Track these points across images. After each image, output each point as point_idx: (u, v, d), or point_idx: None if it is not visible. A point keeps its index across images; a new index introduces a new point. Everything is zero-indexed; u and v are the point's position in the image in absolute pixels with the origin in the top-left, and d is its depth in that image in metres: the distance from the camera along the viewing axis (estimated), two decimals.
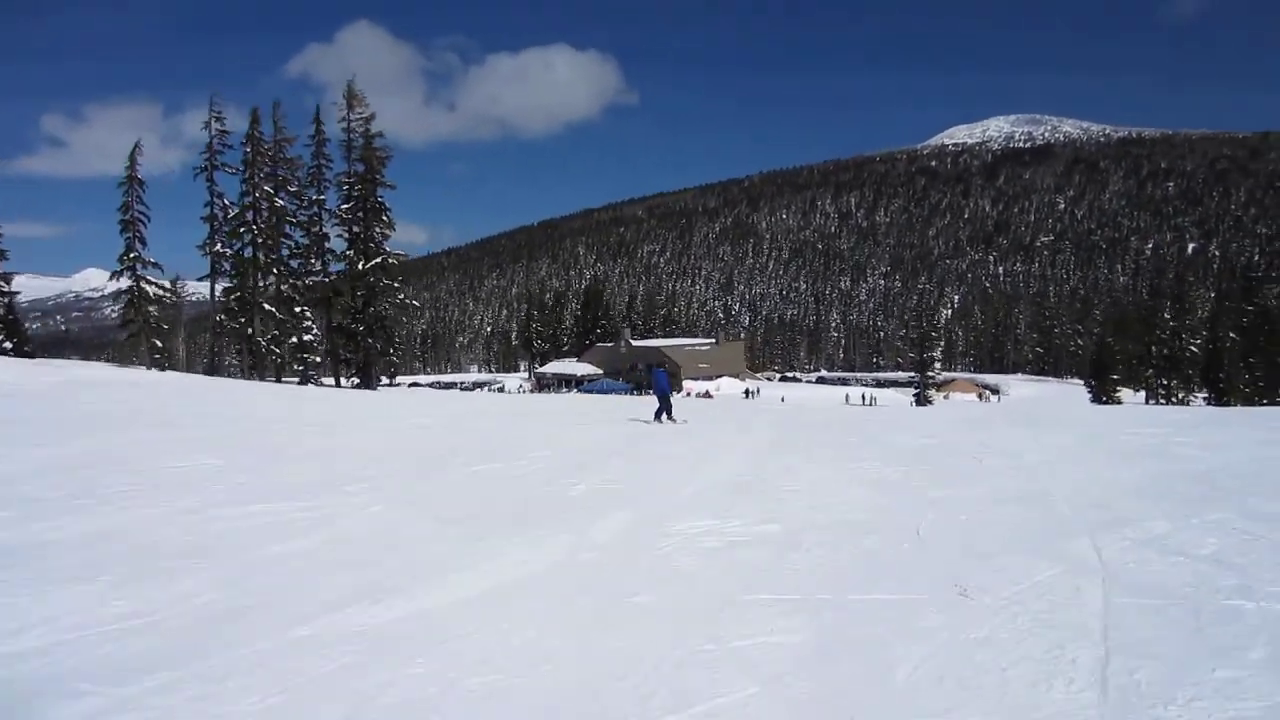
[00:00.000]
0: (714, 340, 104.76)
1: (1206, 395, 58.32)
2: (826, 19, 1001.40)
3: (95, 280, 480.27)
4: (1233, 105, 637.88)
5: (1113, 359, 55.44)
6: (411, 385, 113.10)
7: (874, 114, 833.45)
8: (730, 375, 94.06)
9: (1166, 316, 57.18)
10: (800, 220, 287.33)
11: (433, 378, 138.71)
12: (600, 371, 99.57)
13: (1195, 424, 18.23)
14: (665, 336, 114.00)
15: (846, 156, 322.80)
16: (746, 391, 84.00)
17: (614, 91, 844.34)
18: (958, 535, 6.64)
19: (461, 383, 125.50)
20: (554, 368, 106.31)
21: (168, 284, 42.68)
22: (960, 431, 16.80)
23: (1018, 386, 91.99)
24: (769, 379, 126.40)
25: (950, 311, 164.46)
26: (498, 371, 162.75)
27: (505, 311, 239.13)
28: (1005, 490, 8.85)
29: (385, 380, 48.11)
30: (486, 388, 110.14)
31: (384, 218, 45.70)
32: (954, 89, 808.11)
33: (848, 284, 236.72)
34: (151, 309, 39.97)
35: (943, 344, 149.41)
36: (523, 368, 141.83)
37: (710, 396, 76.17)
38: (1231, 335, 64.84)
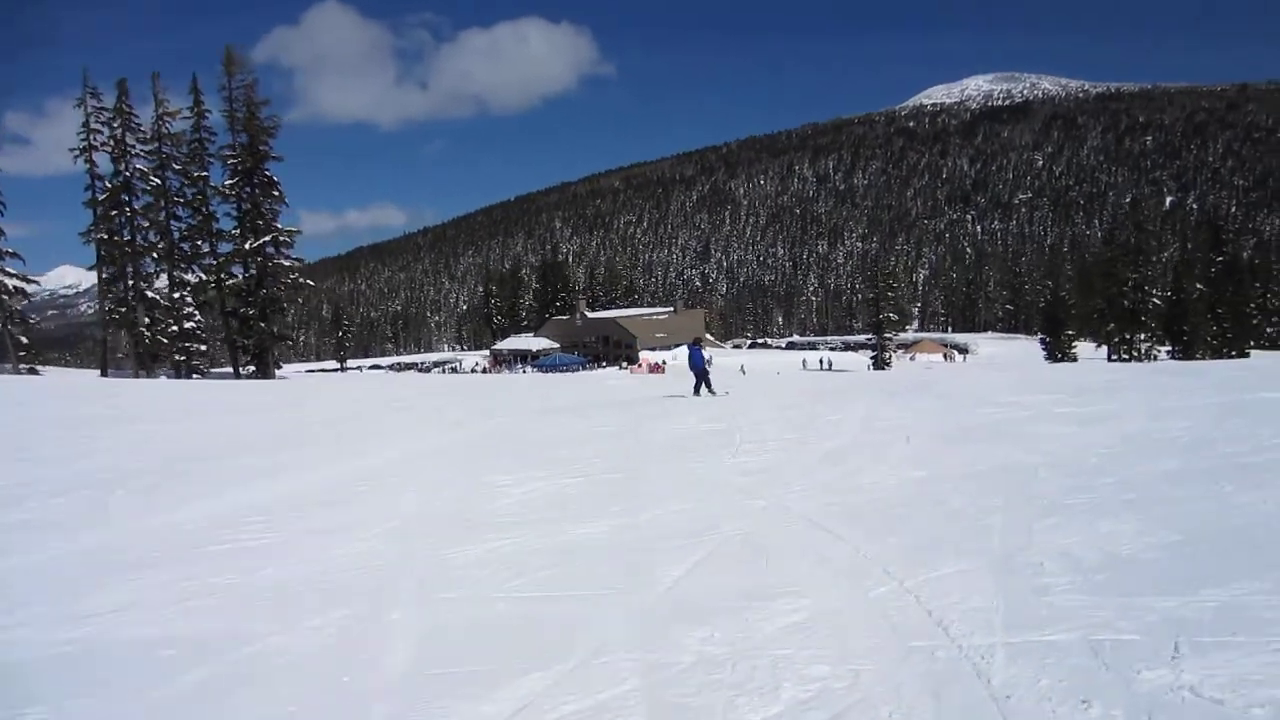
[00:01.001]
0: (672, 309, 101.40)
1: (1170, 349, 55.76)
2: None
3: (71, 277, 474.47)
4: (1211, 58, 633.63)
5: (1067, 313, 52.50)
6: (371, 368, 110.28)
7: (853, 76, 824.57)
8: (688, 344, 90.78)
9: (1128, 269, 54.21)
10: (778, 185, 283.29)
11: (392, 359, 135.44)
12: (557, 345, 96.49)
13: (1097, 388, 15.20)
14: (628, 307, 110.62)
15: (825, 120, 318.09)
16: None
17: (589, 63, 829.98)
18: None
19: (422, 363, 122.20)
20: (510, 343, 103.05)
21: (27, 276, 39.06)
22: (810, 404, 14.08)
23: (986, 345, 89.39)
24: (736, 346, 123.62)
25: (926, 272, 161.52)
26: (468, 350, 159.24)
27: (481, 290, 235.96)
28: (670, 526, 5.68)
29: (332, 366, 44.67)
30: (444, 367, 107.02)
31: (274, 192, 42.04)
32: (933, 49, 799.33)
33: (825, 247, 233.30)
34: (7, 299, 36.38)
35: (920, 305, 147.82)
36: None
37: (661, 369, 73.14)
38: (1199, 286, 62.10)
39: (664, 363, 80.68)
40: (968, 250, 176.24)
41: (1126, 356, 54.18)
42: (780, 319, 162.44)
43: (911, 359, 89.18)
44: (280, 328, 42.93)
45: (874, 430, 10.08)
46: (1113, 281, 53.61)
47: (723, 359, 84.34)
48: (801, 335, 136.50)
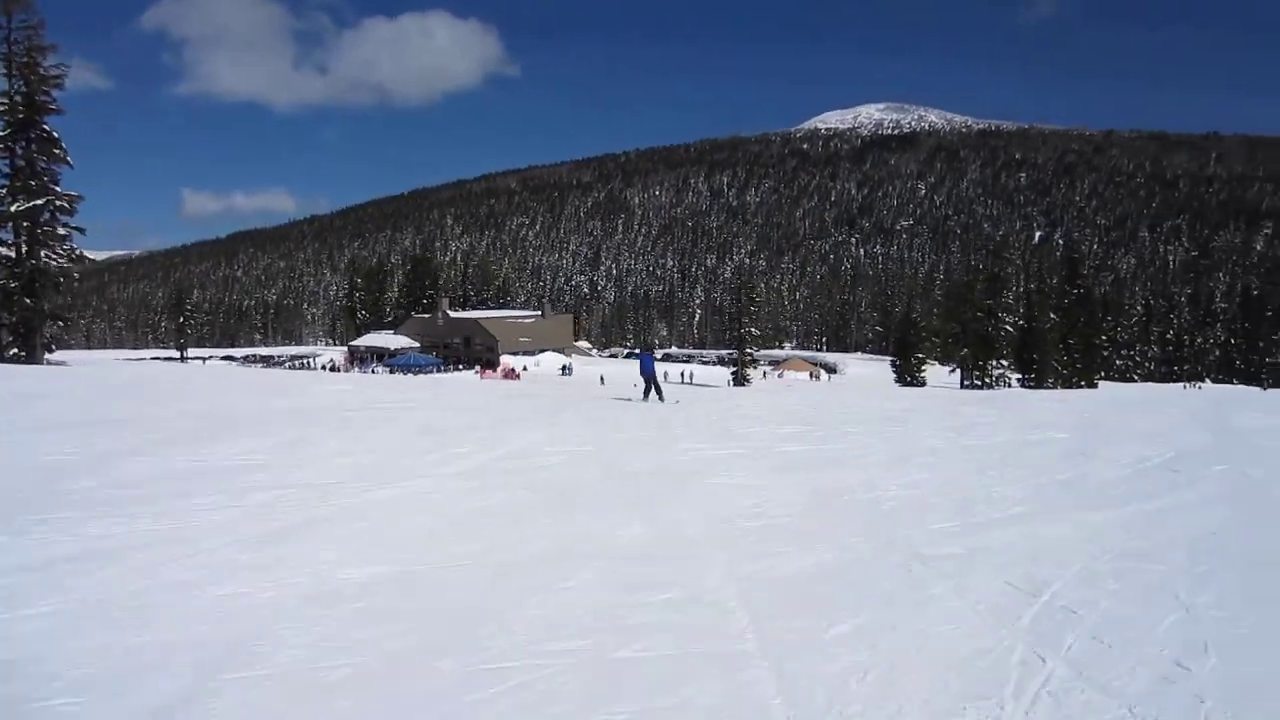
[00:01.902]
0: (539, 313, 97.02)
1: (1021, 376, 55.40)
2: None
3: None
4: (1082, 104, 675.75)
5: (917, 336, 51.11)
6: (224, 359, 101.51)
7: (753, 96, 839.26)
8: (555, 350, 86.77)
9: (985, 296, 53.47)
10: (673, 197, 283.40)
11: (247, 351, 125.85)
12: (416, 345, 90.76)
13: (867, 418, 12.01)
14: (500, 308, 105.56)
15: (723, 136, 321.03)
16: (564, 368, 77.03)
17: (495, 62, 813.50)
18: None
19: (277, 356, 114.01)
20: (369, 340, 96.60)
21: None
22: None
23: (854, 365, 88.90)
24: (614, 355, 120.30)
25: (807, 292, 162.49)
26: (336, 345, 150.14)
27: (347, 283, 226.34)
28: None
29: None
30: (298, 362, 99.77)
31: (55, 150, 35.51)
32: (832, 74, 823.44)
33: (714, 261, 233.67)
34: None
35: (798, 323, 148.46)
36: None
37: (517, 375, 68.70)
38: (1052, 316, 62.33)
39: (524, 369, 76.37)
40: (848, 271, 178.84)
41: (979, 382, 53.26)
42: (664, 329, 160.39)
43: (779, 375, 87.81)
44: (53, 305, 36.29)
45: None
46: (969, 307, 52.63)
47: (584, 367, 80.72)
48: (680, 347, 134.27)
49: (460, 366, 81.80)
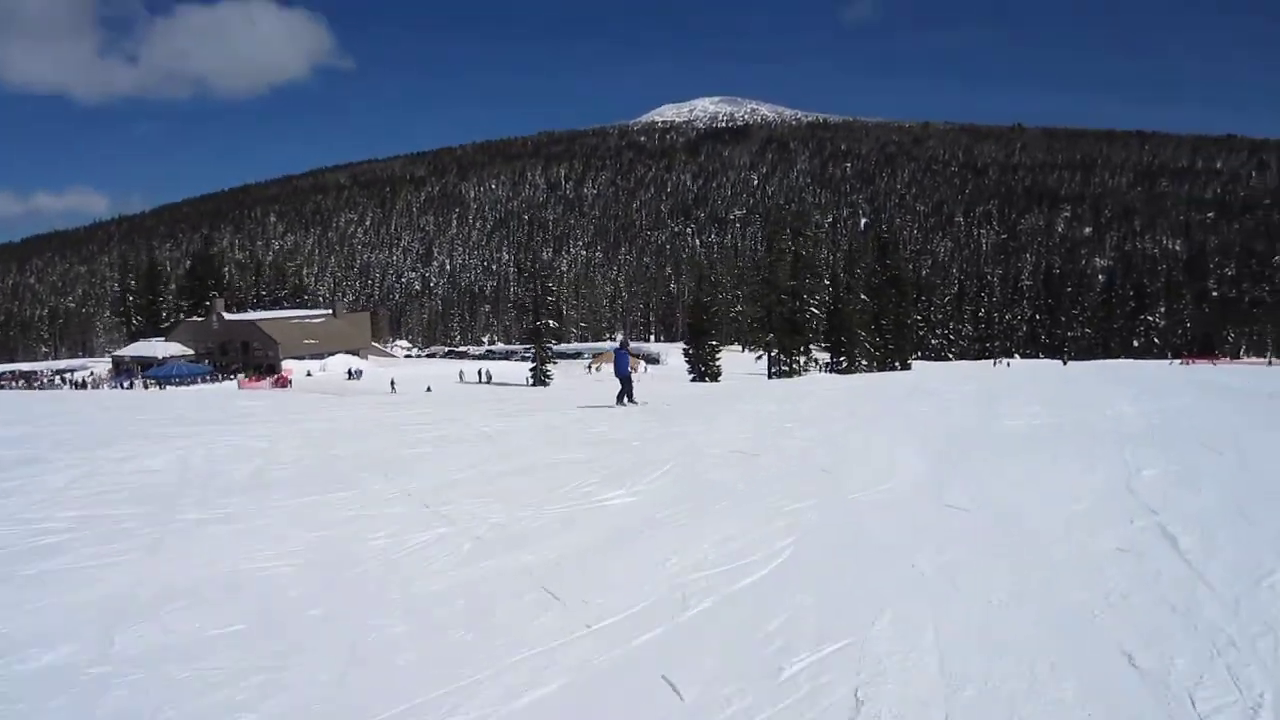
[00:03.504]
0: (330, 312, 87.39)
1: (830, 360, 52.44)
2: None
3: None
4: (901, 98, 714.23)
5: (711, 322, 46.75)
6: None
7: (592, 90, 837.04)
8: (349, 352, 77.79)
9: (788, 278, 49.77)
10: (509, 190, 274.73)
11: (12, 366, 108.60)
12: (190, 352, 79.40)
13: None
14: (294, 308, 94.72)
15: (560, 129, 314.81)
16: (350, 372, 68.49)
17: (326, 54, 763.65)
18: None
19: (43, 371, 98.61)
20: (135, 349, 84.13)
21: None
22: None
23: (675, 356, 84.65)
24: (431, 355, 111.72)
25: (642, 285, 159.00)
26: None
27: (117, 286, 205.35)
28: None
29: None
30: (61, 377, 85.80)
31: None
32: (668, 69, 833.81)
33: (550, 254, 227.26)
34: None
35: (629, 315, 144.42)
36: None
37: (284, 382, 59.86)
38: (863, 298, 59.98)
39: (307, 374, 67.39)
40: (684, 261, 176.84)
41: (786, 369, 49.51)
42: (495, 323, 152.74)
43: (597, 369, 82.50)
44: None
45: None
46: (771, 289, 48.75)
47: (380, 370, 72.33)
48: (506, 343, 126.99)
49: (235, 374, 71.66)
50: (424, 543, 4.66)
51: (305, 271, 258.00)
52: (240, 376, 64.49)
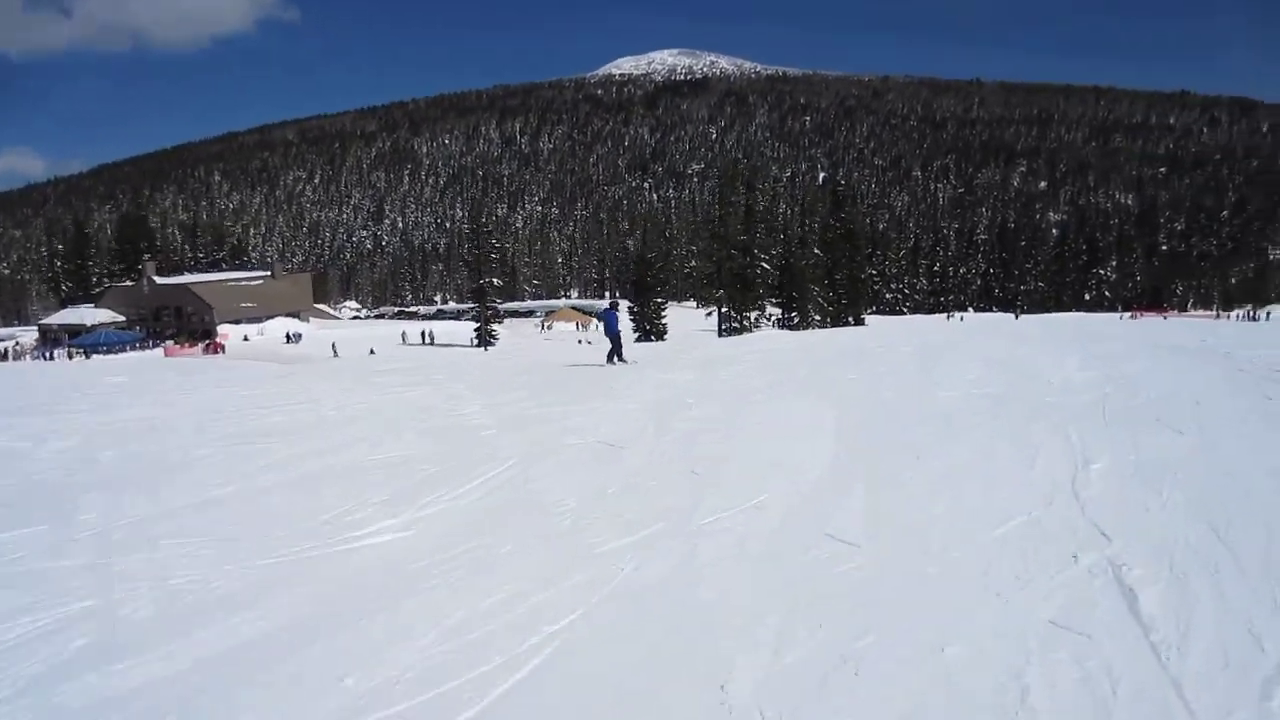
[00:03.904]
0: (268, 274, 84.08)
1: (781, 315, 51.25)
2: None
3: None
4: (861, 52, 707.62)
5: (657, 278, 45.21)
6: None
7: (549, 42, 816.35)
8: (290, 314, 74.95)
9: (739, 233, 48.25)
10: (463, 145, 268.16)
11: None
12: (121, 319, 75.96)
13: None
14: (234, 269, 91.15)
15: (516, 83, 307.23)
16: (289, 335, 65.89)
17: (271, 5, 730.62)
18: None
19: None
20: (62, 317, 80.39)
21: None
22: None
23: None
24: (380, 315, 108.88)
25: (598, 240, 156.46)
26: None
27: (45, 250, 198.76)
28: None
29: None
30: None
31: None
32: (627, 21, 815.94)
33: (505, 210, 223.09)
34: None
35: (584, 271, 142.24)
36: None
37: (218, 348, 57.19)
38: (816, 252, 58.71)
39: (244, 338, 64.71)
40: (642, 217, 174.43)
41: (738, 325, 48.27)
42: (449, 283, 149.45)
43: (549, 327, 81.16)
44: None
45: None
46: (721, 244, 47.20)
47: (323, 332, 69.84)
48: (459, 302, 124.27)
49: (171, 340, 68.66)
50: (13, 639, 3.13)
51: (253, 232, 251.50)
52: (169, 343, 61.52)
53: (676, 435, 6.69)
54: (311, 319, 76.97)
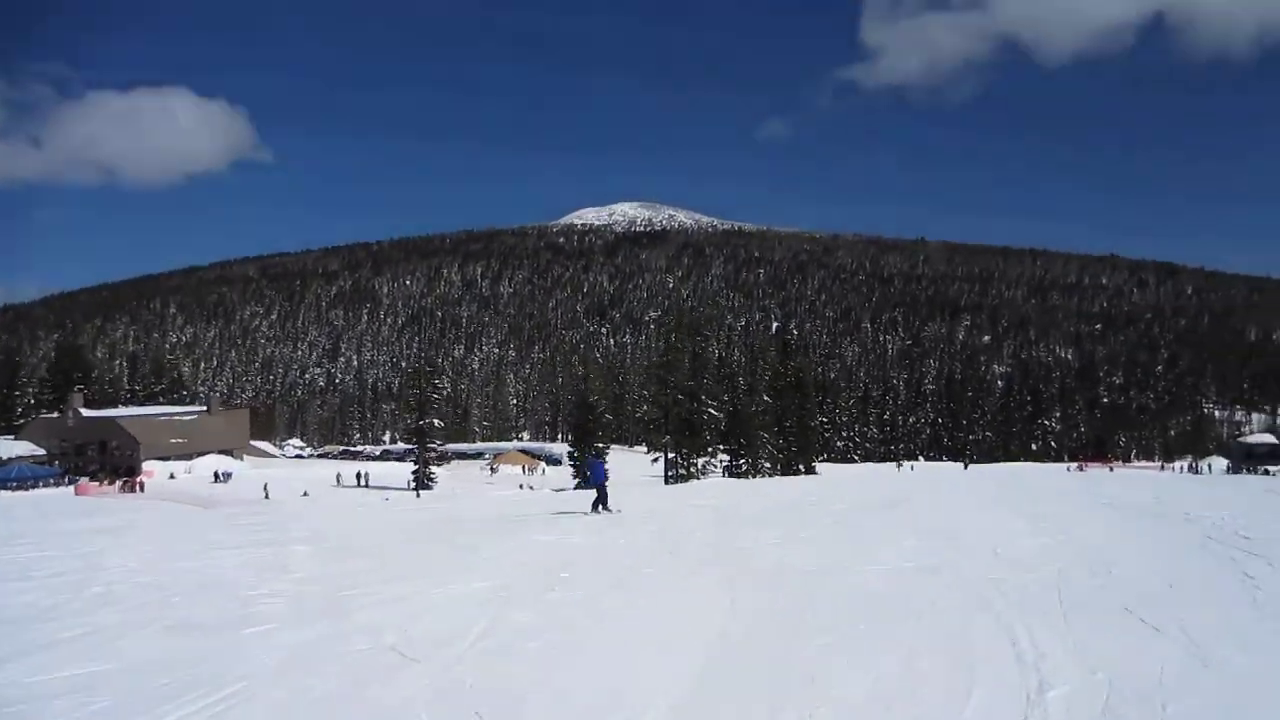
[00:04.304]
0: (204, 409, 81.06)
1: (729, 462, 49.90)
2: (481, 87, 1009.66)
3: None
4: (813, 210, 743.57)
5: (598, 422, 43.86)
6: None
7: (513, 192, 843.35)
8: (223, 451, 71.60)
9: (685, 378, 47.60)
10: (423, 287, 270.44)
11: None
12: (42, 452, 71.71)
13: None
14: (172, 404, 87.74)
15: (480, 228, 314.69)
16: (217, 474, 62.48)
17: (246, 147, 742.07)
18: None
19: None
20: None
21: None
22: None
23: None
24: (325, 455, 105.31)
25: (552, 383, 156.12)
26: None
27: None
28: None
29: None
30: None
31: None
32: (590, 175, 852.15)
33: (462, 351, 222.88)
34: None
35: (537, 416, 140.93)
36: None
37: (135, 486, 53.67)
38: (765, 398, 58.20)
39: (132, 482, 60.63)
40: (597, 361, 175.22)
41: (684, 472, 46.66)
42: (399, 423, 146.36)
43: (493, 470, 78.57)
44: None
45: None
46: (665, 388, 46.33)
47: (256, 471, 66.43)
48: (408, 442, 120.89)
49: (88, 477, 64.64)
50: None
51: (203, 366, 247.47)
52: (83, 480, 57.80)
53: (502, 639, 5.05)
54: (246, 457, 73.63)
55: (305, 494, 46.00)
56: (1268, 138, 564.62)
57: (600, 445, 43.96)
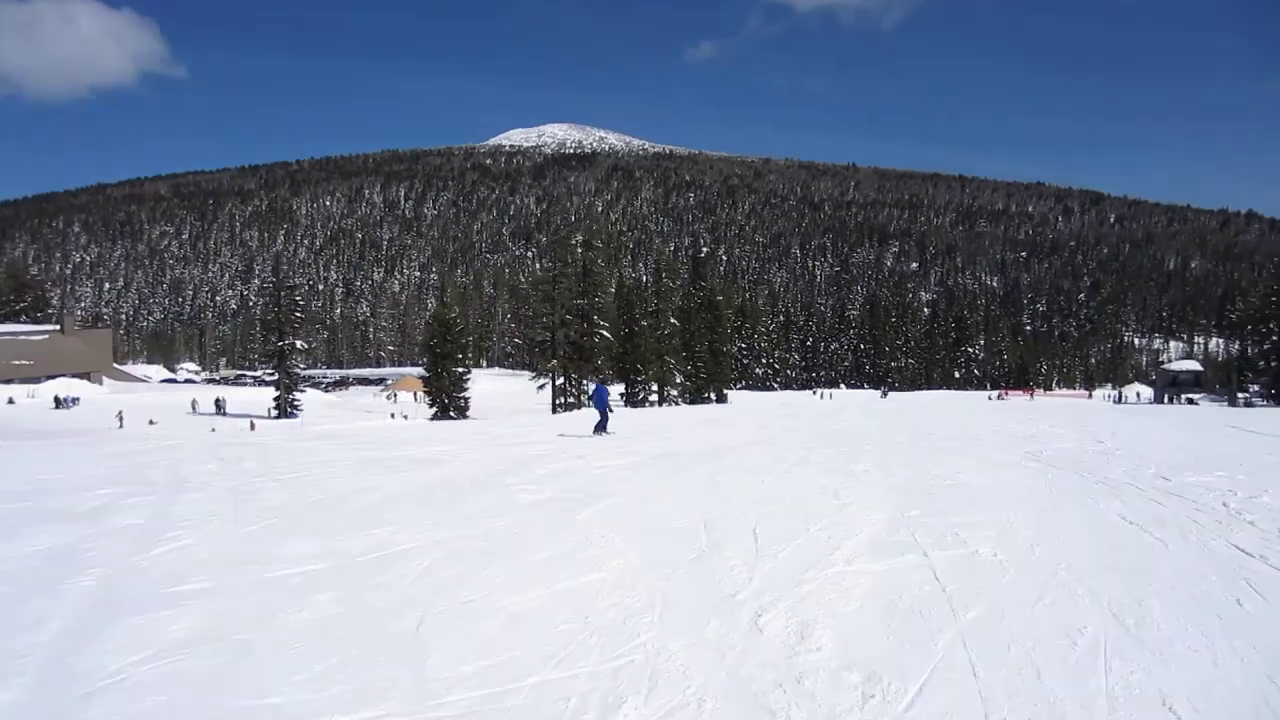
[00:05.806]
0: (57, 328, 73.54)
1: (626, 389, 46.34)
2: (411, 5, 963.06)
3: None
4: (743, 134, 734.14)
5: (456, 344, 39.25)
6: None
7: (443, 113, 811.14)
8: (79, 375, 64.83)
9: (575, 296, 43.33)
10: (344, 208, 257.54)
11: None
12: None
13: None
14: (33, 323, 79.69)
15: (404, 148, 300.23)
16: (58, 400, 56.19)
17: (156, 60, 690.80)
18: None
19: None
20: None
21: None
22: None
23: (486, 381, 76.74)
24: (224, 380, 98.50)
25: (469, 305, 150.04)
26: None
27: None
28: None
29: None
30: None
31: None
32: (520, 96, 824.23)
33: (382, 275, 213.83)
34: None
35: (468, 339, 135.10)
36: None
37: None
38: (673, 321, 54.37)
39: (9, 400, 54.43)
40: (522, 285, 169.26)
41: (573, 399, 42.72)
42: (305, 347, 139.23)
43: (389, 397, 73.87)
44: None
45: None
46: (553, 308, 41.94)
47: (115, 397, 60.14)
48: (317, 367, 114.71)
49: None
50: None
51: (108, 287, 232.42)
52: None
53: None
54: (107, 381, 67.08)
55: (151, 422, 41.46)
56: (1189, 70, 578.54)
57: (461, 370, 39.23)
